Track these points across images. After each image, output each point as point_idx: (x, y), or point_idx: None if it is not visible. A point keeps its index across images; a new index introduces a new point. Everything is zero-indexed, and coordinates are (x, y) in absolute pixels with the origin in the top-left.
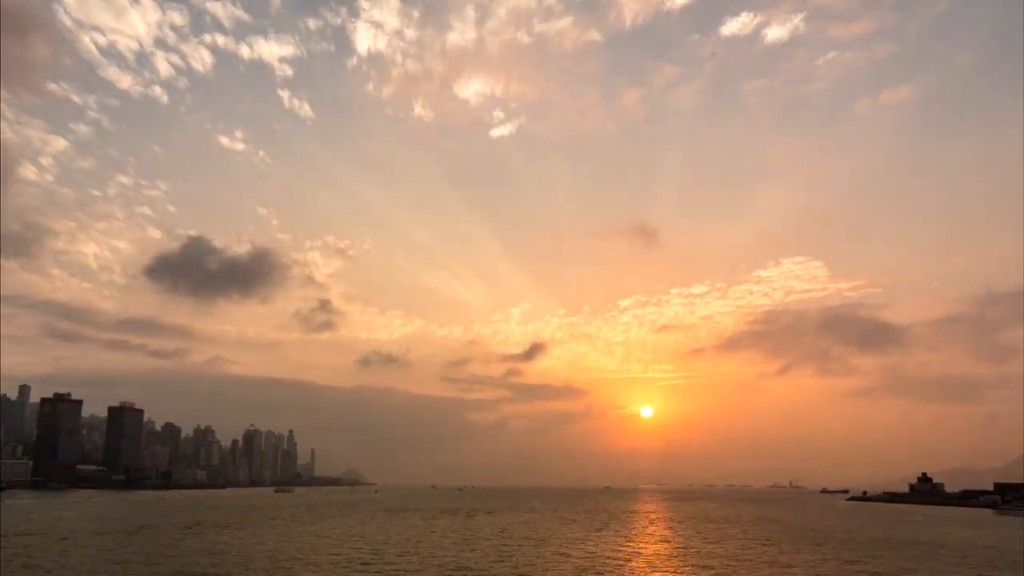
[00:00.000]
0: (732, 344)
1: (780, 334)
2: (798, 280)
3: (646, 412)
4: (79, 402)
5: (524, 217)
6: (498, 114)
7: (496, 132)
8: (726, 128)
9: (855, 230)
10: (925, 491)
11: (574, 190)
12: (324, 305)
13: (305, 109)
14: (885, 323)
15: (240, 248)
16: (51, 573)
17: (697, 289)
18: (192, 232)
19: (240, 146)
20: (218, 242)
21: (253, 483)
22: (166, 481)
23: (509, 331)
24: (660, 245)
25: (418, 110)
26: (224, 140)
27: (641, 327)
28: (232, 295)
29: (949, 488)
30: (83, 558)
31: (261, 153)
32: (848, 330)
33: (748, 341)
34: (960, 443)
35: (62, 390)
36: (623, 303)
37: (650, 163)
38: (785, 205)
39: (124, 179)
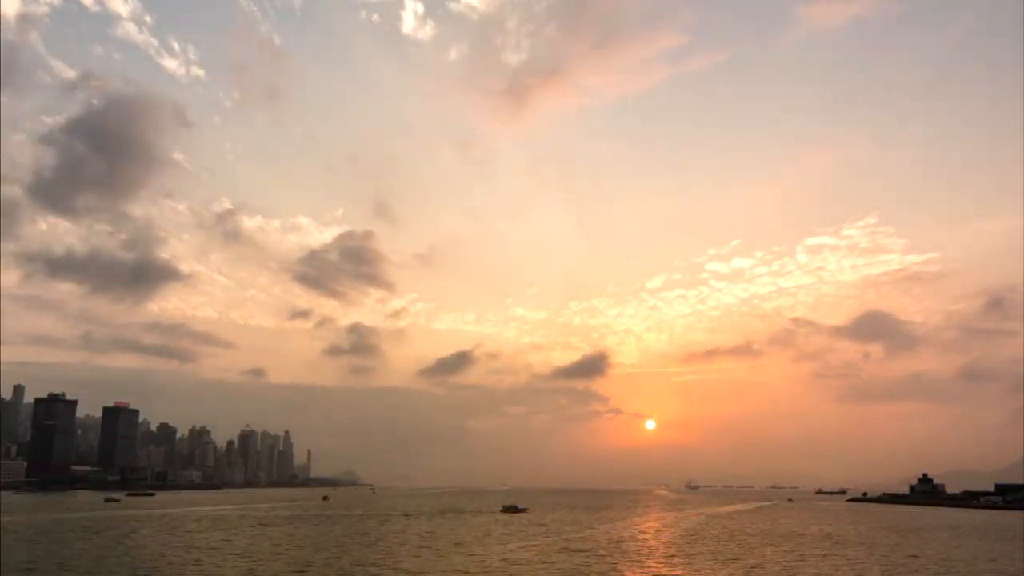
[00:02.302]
0: (770, 341)
1: (808, 333)
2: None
3: (669, 411)
4: (74, 402)
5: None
6: None
7: None
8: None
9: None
10: (926, 492)
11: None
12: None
13: None
14: (904, 320)
15: None
16: None
17: (741, 262)
18: None
19: None
20: None
21: (249, 484)
22: (161, 482)
23: (519, 320)
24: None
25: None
26: None
27: (671, 312)
28: None
29: (950, 489)
30: None
31: None
32: (873, 326)
33: (776, 338)
34: (959, 444)
35: (57, 390)
36: (651, 284)
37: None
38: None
39: None
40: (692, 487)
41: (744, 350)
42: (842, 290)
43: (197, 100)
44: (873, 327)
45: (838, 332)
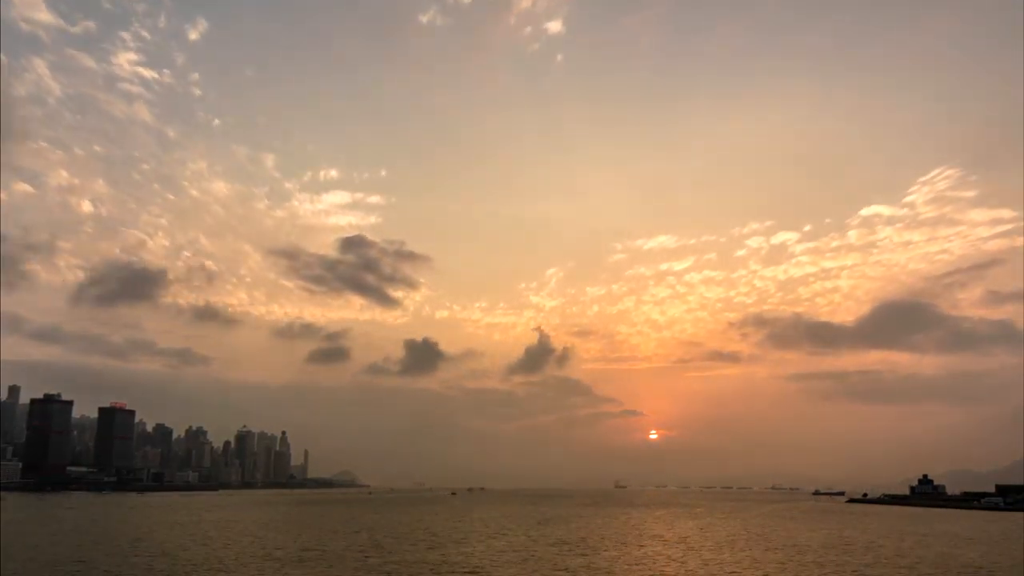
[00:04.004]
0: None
1: (828, 336)
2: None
3: (678, 410)
4: (70, 403)
5: None
6: None
7: None
8: None
9: None
10: (926, 493)
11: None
12: None
13: None
14: (942, 315)
15: None
16: None
17: (784, 236)
18: None
19: None
20: None
21: (246, 485)
22: (158, 483)
23: (534, 308)
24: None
25: None
26: None
27: (696, 299)
28: None
29: (950, 490)
30: None
31: None
32: (903, 321)
33: (797, 339)
34: (960, 445)
35: (52, 391)
36: (683, 267)
37: None
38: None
39: None
40: (620, 486)
41: (761, 358)
42: (888, 272)
43: None
44: (902, 322)
45: (859, 335)
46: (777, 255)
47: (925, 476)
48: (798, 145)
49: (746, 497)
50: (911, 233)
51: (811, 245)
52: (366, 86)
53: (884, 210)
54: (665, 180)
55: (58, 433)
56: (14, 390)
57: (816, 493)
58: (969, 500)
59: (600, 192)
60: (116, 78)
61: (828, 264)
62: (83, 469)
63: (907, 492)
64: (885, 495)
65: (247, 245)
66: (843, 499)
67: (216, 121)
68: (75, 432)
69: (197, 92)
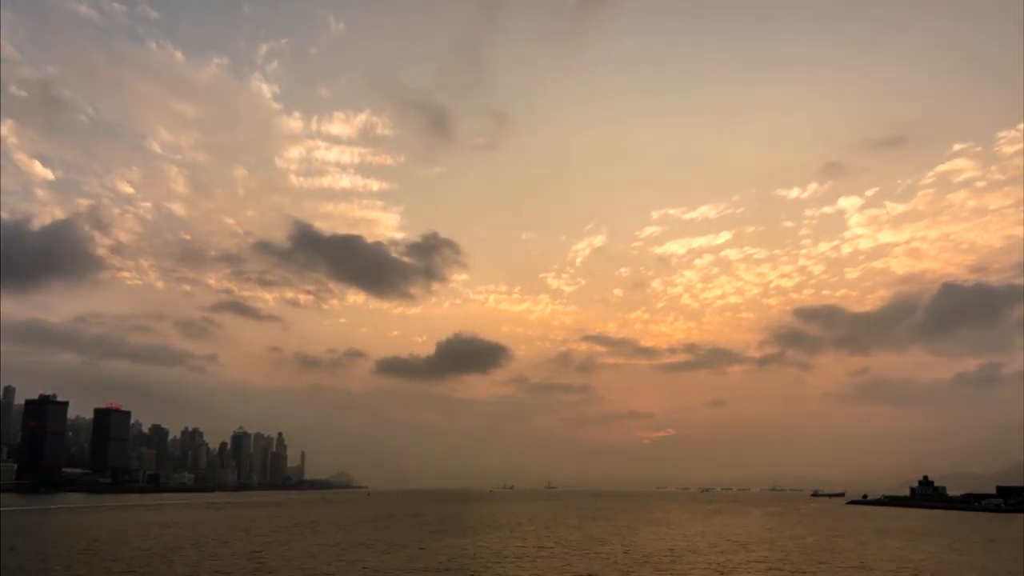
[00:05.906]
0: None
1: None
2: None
3: (683, 408)
4: (65, 404)
5: None
6: None
7: None
8: None
9: None
10: (927, 494)
11: None
12: None
13: None
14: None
15: None
16: None
17: (845, 203)
18: None
19: None
20: None
21: (243, 486)
22: (153, 484)
23: (552, 294)
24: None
25: None
26: None
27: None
28: None
29: (951, 491)
30: None
31: None
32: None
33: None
34: (961, 446)
35: (48, 391)
36: (722, 241)
37: None
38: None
39: None
40: (550, 487)
41: (776, 358)
42: (953, 247)
43: None
44: (927, 323)
45: (879, 335)
46: (831, 226)
47: (925, 477)
48: (883, 87)
49: (739, 498)
50: (992, 195)
51: (872, 213)
52: (377, 9)
53: (965, 164)
54: (718, 140)
55: (53, 434)
56: (9, 391)
57: (815, 494)
58: (970, 501)
59: (645, 155)
60: None
61: (886, 238)
62: (79, 470)
63: (907, 493)
64: (885, 496)
65: (228, 218)
66: (843, 500)
67: (178, 54)
68: (71, 433)
69: (153, 14)
